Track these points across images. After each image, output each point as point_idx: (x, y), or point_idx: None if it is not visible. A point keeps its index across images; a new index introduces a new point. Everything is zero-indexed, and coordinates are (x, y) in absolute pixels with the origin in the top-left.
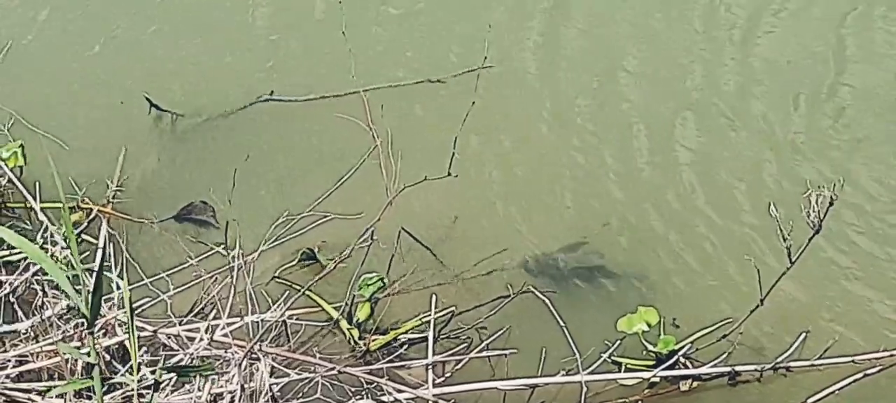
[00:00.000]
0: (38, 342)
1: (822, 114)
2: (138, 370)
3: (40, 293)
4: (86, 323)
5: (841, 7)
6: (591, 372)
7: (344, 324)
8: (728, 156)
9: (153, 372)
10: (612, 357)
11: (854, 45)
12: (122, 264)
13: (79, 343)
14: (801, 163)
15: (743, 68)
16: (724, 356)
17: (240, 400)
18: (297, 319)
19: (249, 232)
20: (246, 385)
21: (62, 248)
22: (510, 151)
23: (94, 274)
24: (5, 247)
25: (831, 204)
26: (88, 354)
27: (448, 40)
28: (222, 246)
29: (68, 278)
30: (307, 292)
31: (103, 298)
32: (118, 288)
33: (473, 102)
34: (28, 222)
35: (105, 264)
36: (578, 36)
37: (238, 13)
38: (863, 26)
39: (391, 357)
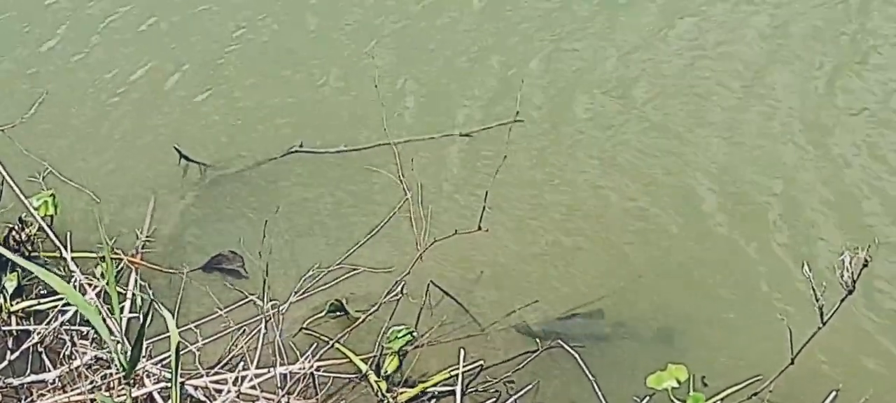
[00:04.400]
0: (65, 392)
1: (858, 171)
2: None
3: (69, 343)
4: (123, 374)
5: None
6: None
7: (372, 377)
8: (759, 212)
9: None
10: None
11: None
12: (150, 315)
13: (108, 394)
14: (835, 219)
15: (775, 126)
16: None
17: None
18: (325, 371)
19: (278, 283)
20: None
21: (92, 299)
22: (539, 205)
23: (139, 326)
24: (33, 297)
25: (866, 265)
26: None
27: (479, 94)
28: (252, 297)
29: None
30: (336, 344)
31: None
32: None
33: (505, 156)
34: (58, 271)
35: (133, 315)
36: (610, 91)
37: (268, 65)
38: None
39: None
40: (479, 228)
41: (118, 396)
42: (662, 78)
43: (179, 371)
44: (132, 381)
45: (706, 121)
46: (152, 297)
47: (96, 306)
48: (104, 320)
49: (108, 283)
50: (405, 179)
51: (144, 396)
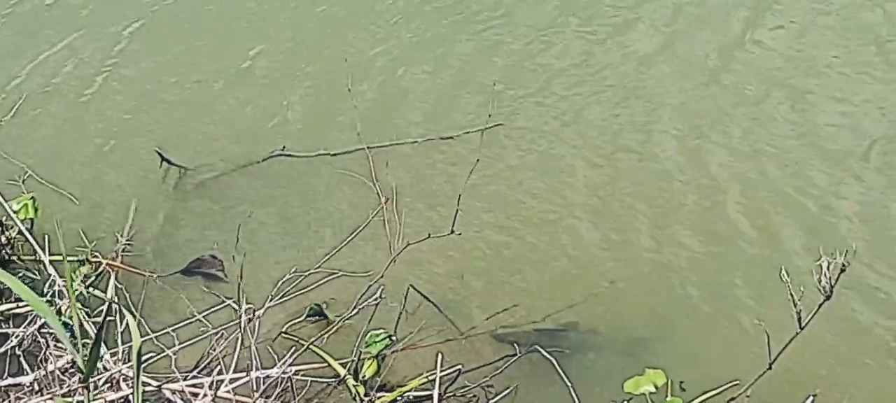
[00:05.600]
0: (41, 395)
1: (837, 176)
2: None
3: (46, 346)
4: (83, 376)
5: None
6: None
7: (350, 381)
8: (737, 218)
9: None
10: None
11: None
12: (126, 319)
13: (82, 398)
14: (814, 224)
15: (752, 136)
16: None
17: None
18: (303, 375)
19: (257, 287)
20: None
21: (69, 302)
22: (518, 209)
23: (97, 329)
24: (13, 300)
25: (843, 270)
26: None
27: (454, 98)
28: (230, 300)
29: (71, 331)
30: (313, 348)
31: (110, 352)
32: (124, 342)
33: (478, 159)
34: (37, 274)
35: (109, 318)
36: (586, 97)
37: (248, 70)
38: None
39: None
40: (452, 232)
41: (94, 399)
42: (634, 80)
43: (155, 376)
44: (102, 384)
45: (683, 126)
46: (114, 300)
47: (68, 309)
48: (82, 323)
49: (68, 285)
50: (382, 183)
51: (121, 399)
